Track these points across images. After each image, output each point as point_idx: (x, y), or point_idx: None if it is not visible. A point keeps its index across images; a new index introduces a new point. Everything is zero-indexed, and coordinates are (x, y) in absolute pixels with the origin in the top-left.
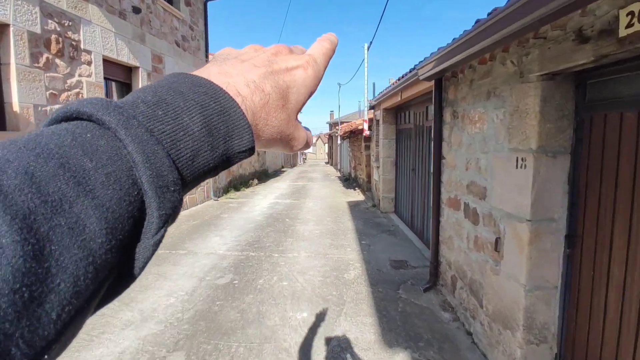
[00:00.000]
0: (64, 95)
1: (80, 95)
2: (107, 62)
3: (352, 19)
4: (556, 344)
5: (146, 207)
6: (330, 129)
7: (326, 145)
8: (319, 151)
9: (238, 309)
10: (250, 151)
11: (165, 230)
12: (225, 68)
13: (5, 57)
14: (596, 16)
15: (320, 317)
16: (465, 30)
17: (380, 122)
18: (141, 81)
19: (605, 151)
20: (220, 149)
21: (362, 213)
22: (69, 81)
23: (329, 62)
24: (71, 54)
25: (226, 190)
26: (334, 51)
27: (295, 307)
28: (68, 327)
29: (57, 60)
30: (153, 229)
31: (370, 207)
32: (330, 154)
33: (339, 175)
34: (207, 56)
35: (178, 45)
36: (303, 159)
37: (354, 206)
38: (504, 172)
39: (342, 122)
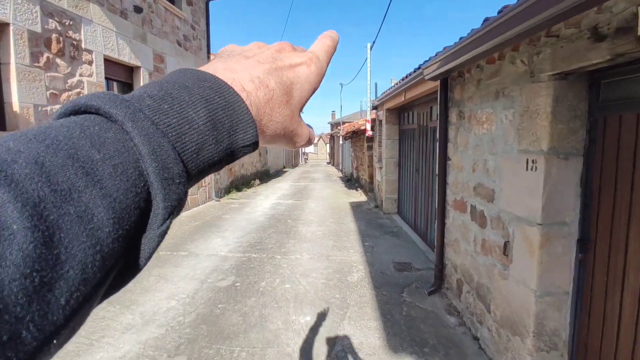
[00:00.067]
0: (64, 95)
1: (81, 95)
2: (108, 61)
3: (353, 19)
4: (567, 351)
5: (152, 199)
6: (332, 129)
7: (328, 145)
8: (320, 151)
9: (240, 312)
10: (254, 145)
11: (170, 222)
12: (230, 64)
13: (5, 56)
14: (613, 13)
15: (323, 321)
16: (473, 29)
17: (383, 122)
18: (142, 81)
19: (621, 152)
20: (225, 142)
21: (364, 214)
22: (69, 81)
23: (331, 59)
24: (72, 54)
25: (228, 191)
26: (335, 48)
27: (298, 311)
28: (76, 313)
29: (58, 60)
30: (159, 220)
31: (373, 208)
32: (332, 154)
33: (341, 175)
34: (208, 56)
35: (180, 44)
36: (305, 159)
37: (356, 207)
38: (513, 174)
39: (343, 122)
